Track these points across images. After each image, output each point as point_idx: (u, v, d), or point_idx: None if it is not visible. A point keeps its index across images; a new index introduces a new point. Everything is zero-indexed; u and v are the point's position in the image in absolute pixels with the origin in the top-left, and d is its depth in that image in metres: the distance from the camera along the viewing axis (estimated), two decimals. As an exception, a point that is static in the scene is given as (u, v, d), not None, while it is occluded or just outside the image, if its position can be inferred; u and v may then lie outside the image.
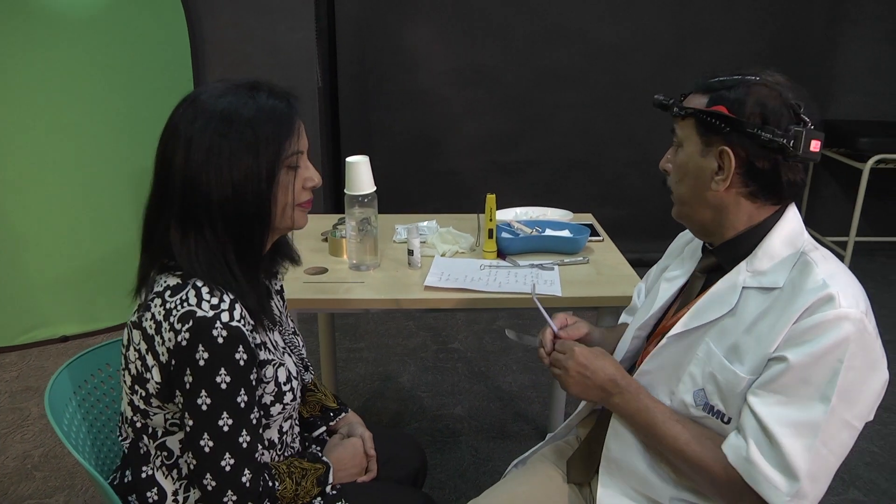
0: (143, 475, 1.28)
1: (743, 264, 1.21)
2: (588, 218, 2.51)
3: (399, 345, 3.48)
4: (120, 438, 1.35)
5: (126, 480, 1.31)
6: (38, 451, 2.61)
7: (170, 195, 1.19)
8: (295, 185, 1.25)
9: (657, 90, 3.96)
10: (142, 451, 1.29)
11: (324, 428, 1.61)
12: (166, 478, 1.28)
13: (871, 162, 4.06)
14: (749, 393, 1.14)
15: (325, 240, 2.24)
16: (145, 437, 1.27)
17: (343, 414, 1.65)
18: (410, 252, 2.03)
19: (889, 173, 4.31)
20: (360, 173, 1.97)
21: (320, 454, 1.47)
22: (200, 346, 1.13)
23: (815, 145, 1.13)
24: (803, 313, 1.09)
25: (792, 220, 1.21)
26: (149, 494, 1.28)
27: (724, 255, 1.25)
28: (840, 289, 1.09)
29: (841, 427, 1.09)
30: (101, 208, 3.33)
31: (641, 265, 2.01)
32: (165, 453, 1.27)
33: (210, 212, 1.18)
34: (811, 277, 1.12)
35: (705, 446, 1.17)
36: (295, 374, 1.36)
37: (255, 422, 1.21)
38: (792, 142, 1.11)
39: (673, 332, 1.26)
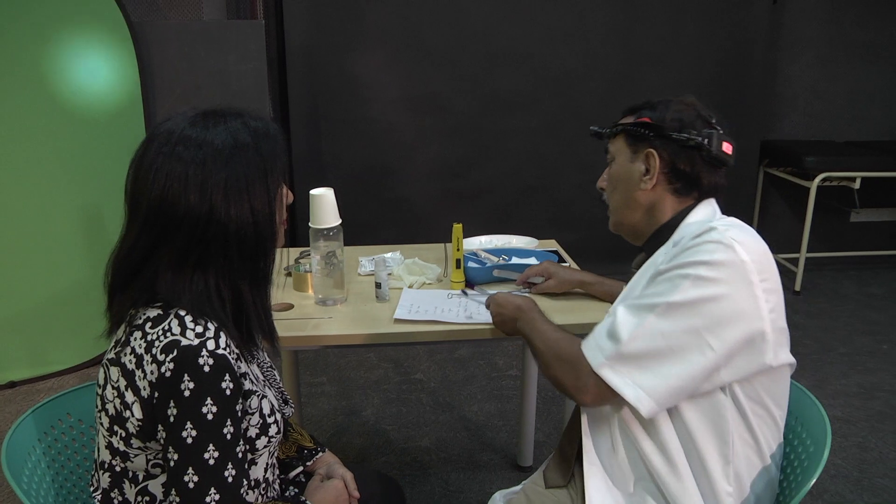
0: None
1: (662, 248, 1.33)
2: (552, 244, 2.50)
3: (361, 377, 3.42)
4: (91, 489, 1.28)
5: None
6: (-17, 507, 2.47)
7: (170, 237, 1.15)
8: (283, 202, 1.27)
9: (606, 114, 4.05)
10: (116, 502, 1.22)
11: (301, 469, 1.57)
12: None
13: (817, 180, 4.18)
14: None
15: (289, 274, 2.19)
16: (126, 483, 1.21)
17: (320, 454, 1.61)
18: (378, 285, 2.00)
19: (834, 191, 4.44)
20: (325, 206, 1.93)
21: (302, 498, 1.42)
22: (186, 375, 1.08)
23: (726, 147, 1.32)
24: (688, 244, 1.21)
25: (706, 207, 1.36)
26: None
27: (649, 247, 1.39)
28: (725, 228, 1.20)
29: (684, 328, 1.15)
30: (50, 247, 3.22)
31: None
32: (147, 498, 1.21)
33: (227, 245, 1.16)
34: (704, 227, 1.23)
35: (571, 340, 1.33)
36: (277, 407, 1.32)
37: (240, 455, 1.17)
38: (706, 140, 1.30)
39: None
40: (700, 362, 1.15)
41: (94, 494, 1.27)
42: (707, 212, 1.34)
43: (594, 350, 1.22)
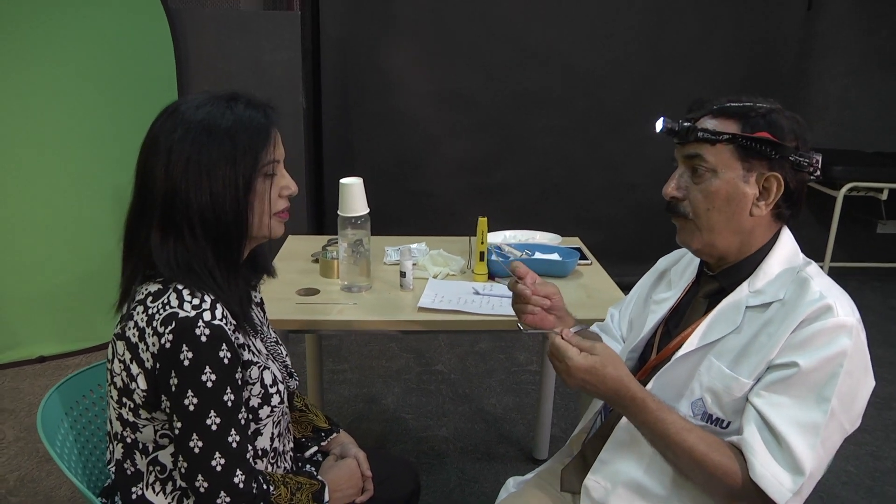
0: (133, 496, 1.28)
1: (745, 285, 1.27)
2: (575, 241, 2.54)
3: (382, 366, 3.48)
4: (106, 460, 1.33)
5: None
6: (13, 475, 2.55)
7: (150, 204, 1.21)
8: (271, 193, 1.28)
9: (633, 116, 4.00)
10: (129, 473, 1.28)
11: (315, 448, 1.61)
12: (157, 494, 1.27)
13: (844, 190, 4.18)
14: (753, 395, 1.19)
15: (316, 261, 2.24)
16: (136, 454, 1.27)
17: (334, 434, 1.65)
18: (403, 274, 2.04)
19: (861, 201, 4.42)
20: (354, 195, 1.97)
21: (315, 474, 1.47)
22: (184, 346, 1.14)
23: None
24: (803, 322, 1.16)
25: (787, 242, 1.29)
26: None
27: (727, 280, 1.31)
28: (836, 300, 1.16)
29: (836, 429, 1.15)
30: (81, 225, 3.30)
31: (620, 288, 2.04)
32: (158, 468, 1.27)
33: (190, 218, 1.20)
34: (809, 290, 1.19)
35: (724, 454, 1.18)
36: (280, 379, 1.36)
37: (243, 422, 1.22)
38: (818, 162, 1.22)
39: (681, 352, 1.29)
40: (838, 447, 1.19)
41: (108, 466, 1.33)
42: (789, 246, 1.28)
43: (775, 485, 1.13)
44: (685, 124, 1.25)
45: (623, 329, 1.63)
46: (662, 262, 1.60)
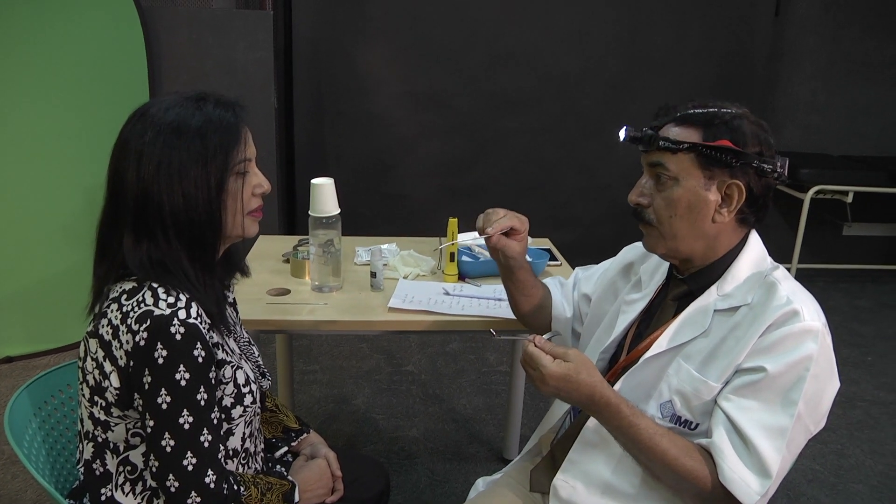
0: (102, 497, 1.27)
1: (713, 288, 1.29)
2: (545, 242, 2.56)
3: (353, 367, 3.48)
4: (75, 461, 1.33)
5: None
6: (-23, 478, 2.52)
7: (123, 207, 1.21)
8: (244, 192, 1.28)
9: (606, 118, 4.02)
10: (98, 473, 1.27)
11: (286, 449, 1.61)
12: (127, 495, 1.27)
13: (811, 192, 4.24)
14: (721, 399, 1.21)
15: (287, 261, 2.24)
16: (107, 454, 1.26)
17: (305, 434, 1.66)
18: (373, 274, 2.05)
19: (828, 203, 4.48)
20: (325, 195, 1.98)
21: (286, 474, 1.47)
22: (159, 343, 1.13)
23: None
24: (770, 326, 1.18)
25: (755, 246, 1.31)
26: None
27: (696, 283, 1.32)
28: (803, 304, 1.19)
29: (802, 431, 1.18)
30: (50, 226, 3.27)
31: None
32: (129, 468, 1.26)
33: (163, 221, 1.20)
34: (776, 295, 1.21)
35: (695, 459, 1.20)
36: (253, 379, 1.37)
37: (215, 422, 1.22)
38: (782, 166, 1.22)
39: (649, 354, 1.31)
40: (802, 447, 1.22)
41: (77, 466, 1.32)
42: (757, 250, 1.30)
43: (743, 487, 1.16)
44: (648, 132, 1.27)
45: (576, 296, 1.70)
46: (629, 253, 1.61)
